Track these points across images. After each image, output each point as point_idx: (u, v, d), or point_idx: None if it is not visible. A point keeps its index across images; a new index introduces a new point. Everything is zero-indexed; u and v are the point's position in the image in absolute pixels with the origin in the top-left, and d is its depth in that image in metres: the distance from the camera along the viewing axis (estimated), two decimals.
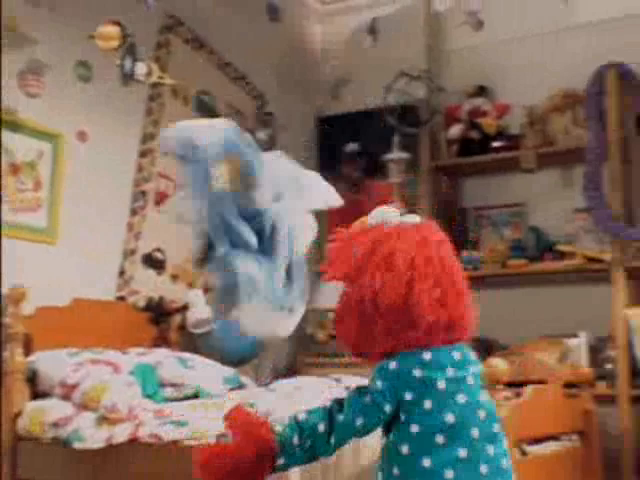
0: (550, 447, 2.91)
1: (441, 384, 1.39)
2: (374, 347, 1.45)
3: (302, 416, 1.42)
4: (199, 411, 2.55)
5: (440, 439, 1.35)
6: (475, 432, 1.38)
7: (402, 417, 1.38)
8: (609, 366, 3.90)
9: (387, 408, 1.39)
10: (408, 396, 1.38)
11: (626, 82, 4.03)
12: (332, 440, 1.40)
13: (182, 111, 3.84)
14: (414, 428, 1.37)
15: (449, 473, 1.33)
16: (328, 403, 1.45)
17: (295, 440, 1.40)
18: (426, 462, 1.34)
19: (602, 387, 3.87)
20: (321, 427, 1.40)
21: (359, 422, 1.39)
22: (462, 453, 1.35)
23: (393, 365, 1.40)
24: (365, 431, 1.41)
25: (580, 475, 3.14)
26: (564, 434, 3.12)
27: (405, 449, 1.36)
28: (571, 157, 4.17)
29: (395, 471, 1.37)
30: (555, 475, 2.89)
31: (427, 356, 1.40)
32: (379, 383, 1.40)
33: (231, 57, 4.22)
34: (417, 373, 1.39)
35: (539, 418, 2.84)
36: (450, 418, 1.37)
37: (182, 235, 3.79)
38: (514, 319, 4.23)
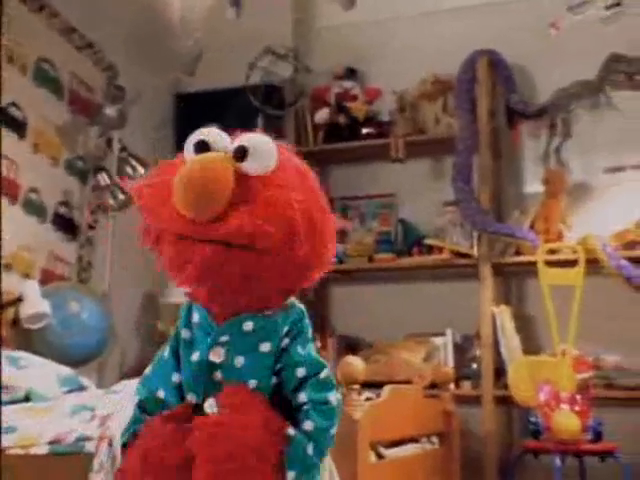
0: (409, 449, 2.96)
1: None
2: None
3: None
4: (29, 416, 2.43)
5: None
6: None
7: None
8: (474, 366, 4.03)
9: None
10: None
11: (498, 71, 4.16)
12: None
13: (19, 80, 3.66)
14: None
15: None
16: None
17: None
18: None
19: (467, 387, 3.99)
20: None
21: None
22: None
23: None
24: None
25: (439, 478, 3.22)
26: (424, 436, 3.19)
27: None
28: (441, 147, 4.26)
29: None
30: (413, 478, 2.95)
31: None
32: None
33: (77, 22, 4.03)
34: None
35: (397, 420, 2.87)
36: None
37: (16, 219, 3.64)
38: (381, 316, 4.29)
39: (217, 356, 1.32)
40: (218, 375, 1.32)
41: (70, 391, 2.97)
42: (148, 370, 1.45)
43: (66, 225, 3.97)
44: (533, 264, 3.76)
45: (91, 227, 4.10)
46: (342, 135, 4.38)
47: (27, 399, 2.79)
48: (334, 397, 1.33)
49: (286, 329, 1.34)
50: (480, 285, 3.97)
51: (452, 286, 4.25)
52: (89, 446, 2.19)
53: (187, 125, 5.48)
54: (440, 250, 4.12)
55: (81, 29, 4.05)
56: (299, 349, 1.34)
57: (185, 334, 1.39)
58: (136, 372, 4.06)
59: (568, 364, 3.49)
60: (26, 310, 3.38)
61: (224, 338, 1.32)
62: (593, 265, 3.70)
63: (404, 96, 4.31)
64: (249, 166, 1.27)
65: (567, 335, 3.55)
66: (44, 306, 3.40)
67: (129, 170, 4.15)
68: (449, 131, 4.16)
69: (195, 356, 1.35)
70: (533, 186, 4.16)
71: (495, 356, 3.91)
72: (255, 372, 1.31)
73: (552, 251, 3.85)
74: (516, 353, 3.84)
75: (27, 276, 3.65)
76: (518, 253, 3.99)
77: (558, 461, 3.28)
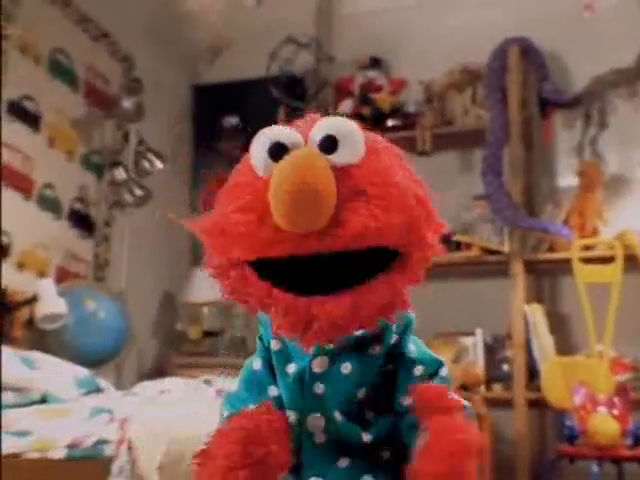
0: None
1: None
2: None
3: None
4: (45, 418, 2.45)
5: None
6: None
7: None
8: (506, 367, 4.01)
9: None
10: None
11: (529, 59, 4.14)
12: None
13: (33, 71, 3.68)
14: None
15: None
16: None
17: None
18: None
19: (498, 389, 3.97)
20: None
21: None
22: None
23: None
24: None
25: None
26: None
27: None
28: (470, 139, 4.24)
29: None
30: None
31: None
32: None
33: (92, 11, 4.06)
34: None
35: None
36: None
37: (31, 215, 3.67)
38: None
39: (320, 366, 1.20)
40: (320, 387, 1.20)
41: (87, 393, 2.99)
42: (235, 386, 1.28)
43: (82, 222, 3.99)
44: (567, 261, 3.73)
45: (107, 224, 4.12)
46: (367, 127, 4.36)
47: (43, 401, 2.81)
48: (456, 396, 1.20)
49: (396, 328, 1.23)
50: (511, 283, 3.94)
51: (482, 284, 4.22)
52: (108, 450, 2.20)
53: (206, 117, 5.56)
54: (469, 247, 4.10)
55: (96, 19, 4.08)
56: (411, 347, 1.24)
57: (275, 345, 1.24)
58: (155, 373, 4.10)
59: (605, 365, 3.46)
60: (41, 310, 3.40)
61: (329, 346, 1.19)
62: (631, 262, 3.66)
63: (431, 86, 4.29)
64: (341, 158, 1.09)
65: (604, 335, 3.52)
66: (60, 306, 3.42)
67: (146, 165, 4.17)
68: (478, 123, 4.14)
69: (291, 368, 1.22)
70: (567, 179, 4.13)
71: (527, 357, 3.88)
72: (364, 377, 1.19)
73: (587, 247, 3.82)
74: (549, 354, 3.81)
75: (42, 275, 3.67)
76: (551, 249, 3.96)
77: (595, 467, 3.25)
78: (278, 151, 1.10)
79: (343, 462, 1.17)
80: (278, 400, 1.22)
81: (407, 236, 1.09)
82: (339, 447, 1.17)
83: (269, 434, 1.13)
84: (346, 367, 1.19)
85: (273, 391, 1.23)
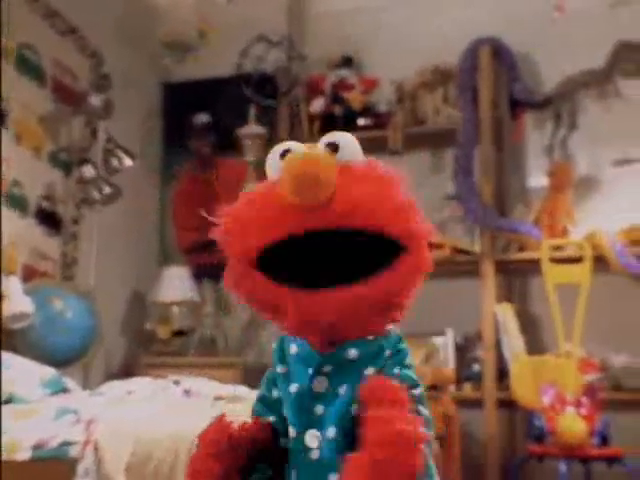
0: None
1: None
2: None
3: None
4: (10, 420, 2.42)
5: None
6: None
7: None
8: (476, 367, 4.03)
9: None
10: None
11: (501, 59, 4.16)
12: None
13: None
14: None
15: None
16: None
17: None
18: None
19: (468, 389, 3.99)
20: None
21: None
22: None
23: None
24: None
25: None
26: None
27: None
28: (442, 139, 4.25)
29: None
30: None
31: None
32: None
33: (61, 6, 4.01)
34: None
35: None
36: None
37: None
38: None
39: (320, 387, 1.27)
40: (319, 407, 1.27)
41: (54, 393, 2.97)
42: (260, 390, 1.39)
43: (49, 220, 3.95)
44: (537, 261, 3.75)
45: (76, 222, 4.08)
46: (338, 126, 4.36)
47: (8, 402, 2.77)
48: (427, 412, 1.27)
49: (388, 352, 1.31)
50: (482, 283, 3.96)
51: (453, 284, 4.23)
52: (73, 451, 2.18)
53: (176, 115, 5.51)
54: (440, 246, 4.11)
55: (65, 14, 4.03)
56: (395, 370, 1.29)
57: (281, 369, 1.33)
58: (123, 373, 4.07)
59: (574, 365, 3.48)
60: (7, 309, 3.35)
61: (327, 368, 1.27)
62: (600, 262, 3.69)
63: (403, 86, 4.30)
64: (342, 156, 1.24)
65: (573, 335, 3.55)
66: (26, 305, 3.38)
67: (115, 162, 4.14)
68: (449, 122, 4.15)
69: (294, 388, 1.30)
70: (537, 180, 4.15)
71: (497, 357, 3.90)
72: (358, 397, 1.24)
73: (557, 247, 3.85)
74: (519, 354, 3.84)
75: (8, 273, 3.62)
76: (521, 250, 3.99)
77: (563, 466, 3.27)
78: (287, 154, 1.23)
79: (335, 478, 1.21)
80: (279, 423, 1.32)
81: (398, 222, 1.19)
82: (332, 463, 1.22)
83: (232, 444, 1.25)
84: (342, 388, 1.26)
85: (271, 418, 1.33)
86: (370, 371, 1.27)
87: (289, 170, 1.18)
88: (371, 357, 1.28)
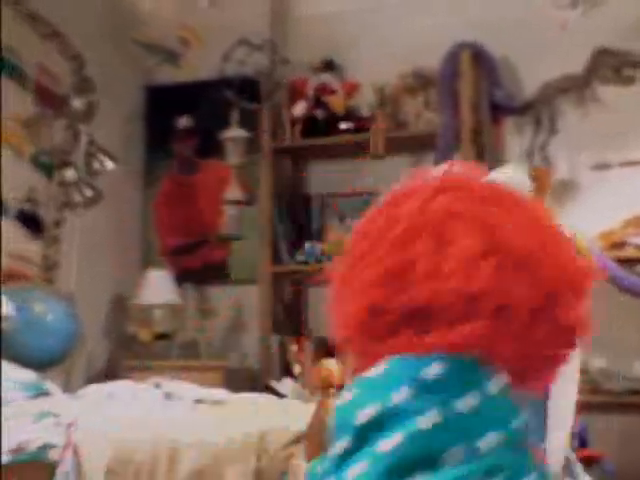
0: None
1: None
2: None
3: None
4: None
5: None
6: None
7: None
8: None
9: None
10: None
11: (481, 64, 4.17)
12: None
13: None
14: None
15: None
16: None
17: None
18: None
19: None
20: None
21: None
22: None
23: None
24: None
25: None
26: None
27: None
28: (423, 143, 4.25)
29: None
30: None
31: None
32: None
33: (42, 9, 4.00)
34: None
35: None
36: None
37: None
38: None
39: None
40: None
41: (34, 396, 2.94)
42: None
43: (31, 222, 3.93)
44: None
45: (57, 225, 4.06)
46: (320, 130, 4.37)
47: None
48: None
49: None
50: None
51: None
52: (53, 454, 2.17)
53: (159, 118, 5.51)
54: None
55: (47, 17, 4.02)
56: None
57: None
58: (105, 376, 4.05)
59: None
60: None
61: None
62: None
63: (384, 90, 4.31)
64: None
65: None
66: (7, 308, 3.36)
67: (97, 165, 4.12)
68: (431, 127, 4.16)
69: None
70: None
71: None
72: None
73: None
74: None
75: None
76: None
77: None
78: None
79: None
80: None
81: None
82: None
83: None
84: None
85: None
86: None
87: None
88: None
